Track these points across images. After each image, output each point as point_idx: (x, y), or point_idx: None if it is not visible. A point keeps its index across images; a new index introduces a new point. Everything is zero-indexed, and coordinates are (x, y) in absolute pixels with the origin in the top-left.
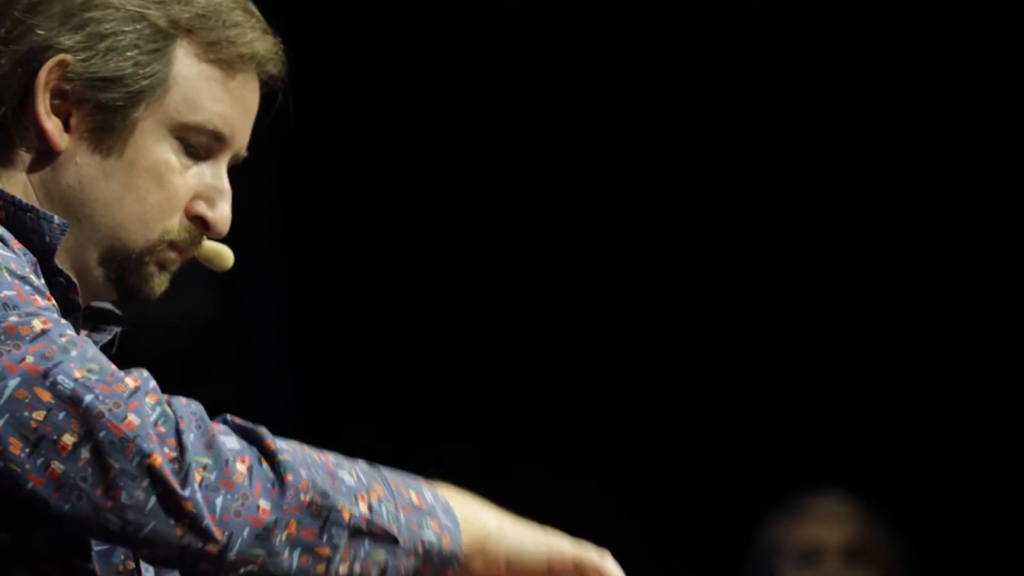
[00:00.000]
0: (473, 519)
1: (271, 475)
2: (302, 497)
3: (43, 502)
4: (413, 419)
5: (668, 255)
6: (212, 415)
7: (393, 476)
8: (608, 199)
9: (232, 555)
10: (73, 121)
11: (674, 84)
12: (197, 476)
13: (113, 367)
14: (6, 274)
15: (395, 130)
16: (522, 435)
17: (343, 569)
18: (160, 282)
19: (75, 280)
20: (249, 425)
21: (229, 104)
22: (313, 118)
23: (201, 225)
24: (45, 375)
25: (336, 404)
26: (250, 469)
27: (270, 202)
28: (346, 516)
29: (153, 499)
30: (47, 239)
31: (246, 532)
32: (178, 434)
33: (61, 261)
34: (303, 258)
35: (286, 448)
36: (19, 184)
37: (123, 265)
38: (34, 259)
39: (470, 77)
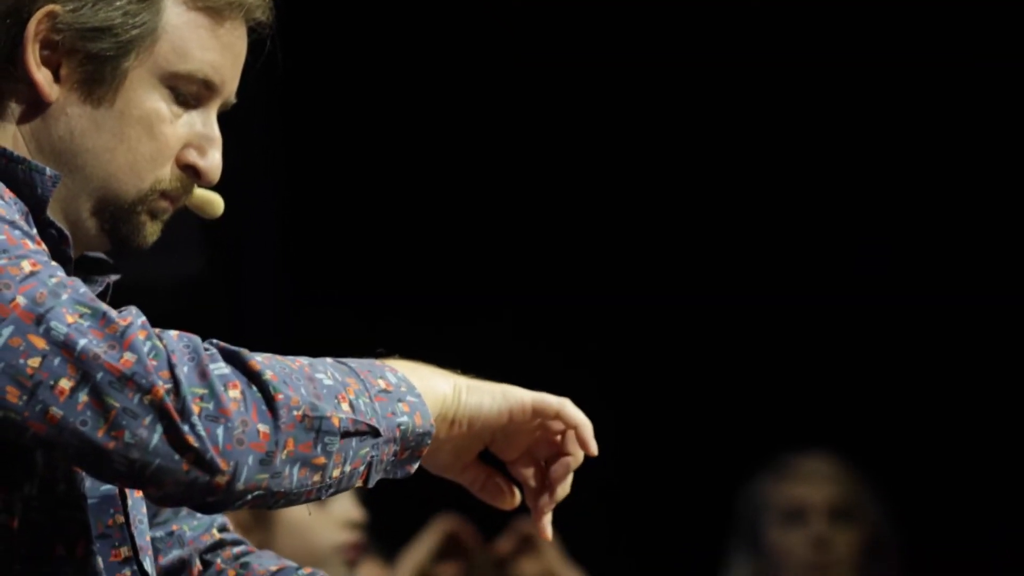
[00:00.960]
0: (431, 389)
1: (262, 397)
2: (295, 414)
3: (47, 448)
4: None
5: (658, 215)
6: None
7: (358, 365)
8: (600, 172)
9: (240, 484)
10: (63, 72)
11: (674, 72)
12: (195, 408)
13: (104, 307)
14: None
15: (391, 80)
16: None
17: (336, 472)
18: (152, 231)
19: (67, 232)
20: (232, 348)
21: (218, 52)
22: (305, 66)
23: (192, 174)
24: (38, 321)
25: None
26: (243, 394)
27: (264, 153)
28: (336, 422)
29: (156, 436)
30: (39, 191)
31: (251, 459)
32: (171, 367)
33: (53, 213)
34: (297, 212)
35: (267, 365)
36: (9, 136)
37: (115, 215)
38: (25, 208)
39: (467, 26)
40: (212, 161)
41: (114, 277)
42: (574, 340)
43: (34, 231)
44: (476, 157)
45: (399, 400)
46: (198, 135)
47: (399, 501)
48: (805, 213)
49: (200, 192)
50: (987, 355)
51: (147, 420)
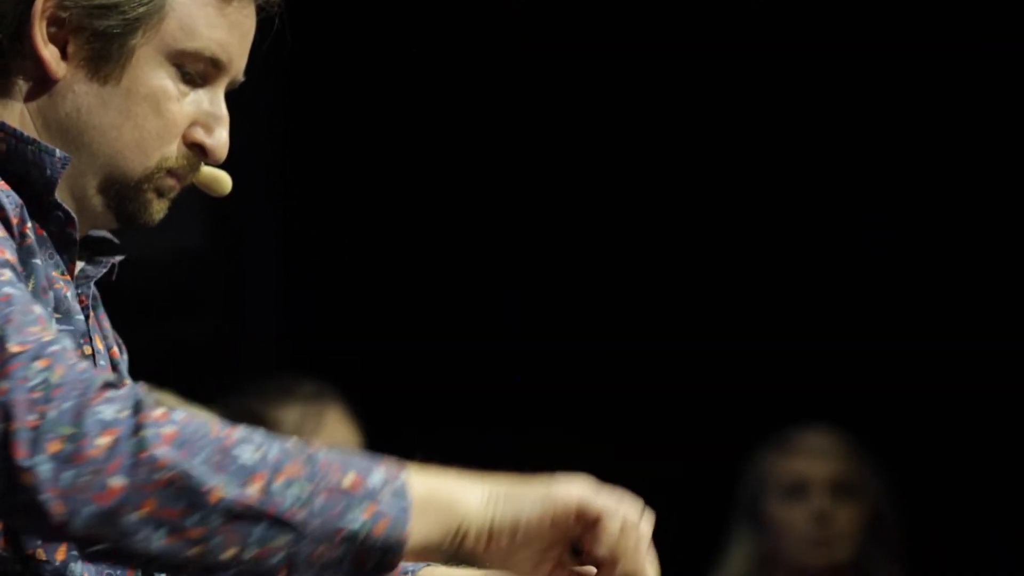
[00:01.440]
0: (449, 502)
1: (130, 451)
2: (158, 476)
3: None
4: (399, 360)
5: (655, 185)
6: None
7: (334, 457)
8: (592, 153)
9: (75, 531)
10: (70, 49)
11: (673, 51)
12: (52, 447)
13: (12, 333)
14: None
15: (398, 61)
16: (507, 352)
17: (230, 553)
18: (159, 209)
19: (73, 214)
20: (145, 396)
21: (226, 30)
22: (312, 44)
23: (199, 152)
24: None
25: (325, 339)
26: (115, 443)
27: (270, 131)
28: (213, 498)
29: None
30: (48, 172)
31: (88, 510)
32: (48, 401)
33: (59, 192)
34: (300, 190)
35: (169, 423)
36: (16, 113)
37: (121, 193)
38: (19, 201)
39: (475, 8)
40: (219, 139)
41: (119, 257)
42: (576, 314)
43: (4, 234)
44: (476, 135)
45: (365, 501)
46: (205, 113)
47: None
48: (809, 188)
49: (207, 170)
50: (989, 331)
51: None
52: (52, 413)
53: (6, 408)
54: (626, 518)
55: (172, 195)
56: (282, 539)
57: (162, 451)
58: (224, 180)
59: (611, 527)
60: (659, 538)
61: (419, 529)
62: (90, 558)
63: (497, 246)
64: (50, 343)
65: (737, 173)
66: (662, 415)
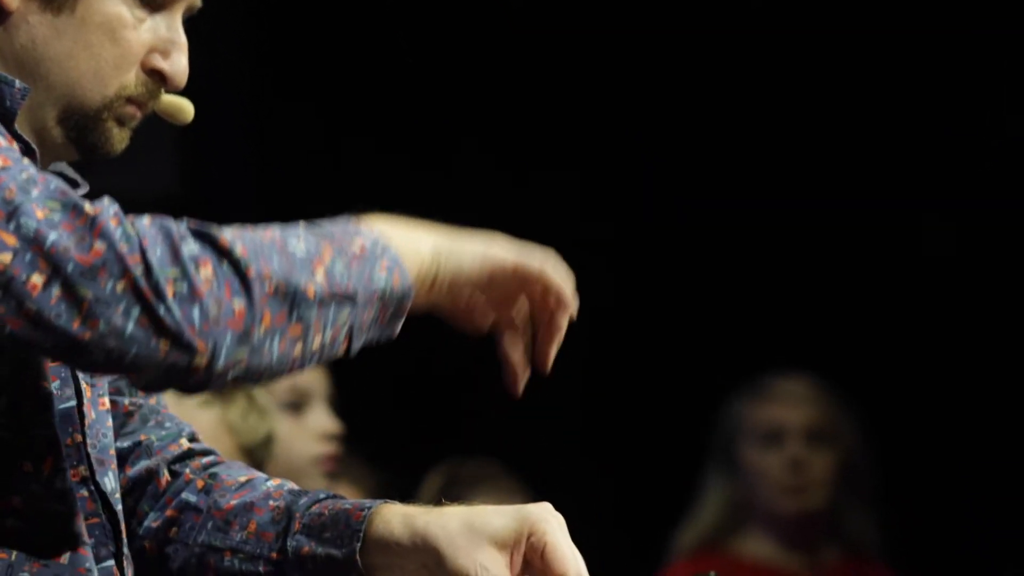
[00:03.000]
0: (411, 250)
1: (233, 273)
2: (267, 287)
3: (25, 343)
4: None
5: (644, 133)
6: None
7: (333, 228)
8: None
9: (220, 364)
10: None
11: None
12: (169, 290)
13: (76, 199)
14: None
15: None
16: None
17: (316, 342)
18: (120, 138)
19: (34, 146)
20: (202, 226)
21: None
22: None
23: (158, 78)
24: (8, 218)
25: None
26: (214, 272)
27: (233, 57)
28: (310, 292)
29: (131, 322)
30: (7, 103)
31: (228, 337)
32: (143, 252)
33: (19, 124)
34: (274, 124)
35: (237, 240)
36: None
37: (81, 123)
38: None
39: None
40: (178, 65)
41: (83, 190)
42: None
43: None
44: (455, 78)
45: (376, 262)
46: (163, 39)
47: (374, 412)
48: (783, 133)
49: (168, 98)
50: (966, 278)
51: (121, 307)
52: (152, 259)
53: (112, 264)
54: (557, 279)
55: (133, 124)
56: (345, 314)
57: (255, 266)
58: (186, 108)
59: (551, 284)
60: (635, 483)
61: (415, 276)
62: (229, 384)
63: (476, 192)
64: (110, 206)
65: (716, 127)
66: (637, 361)
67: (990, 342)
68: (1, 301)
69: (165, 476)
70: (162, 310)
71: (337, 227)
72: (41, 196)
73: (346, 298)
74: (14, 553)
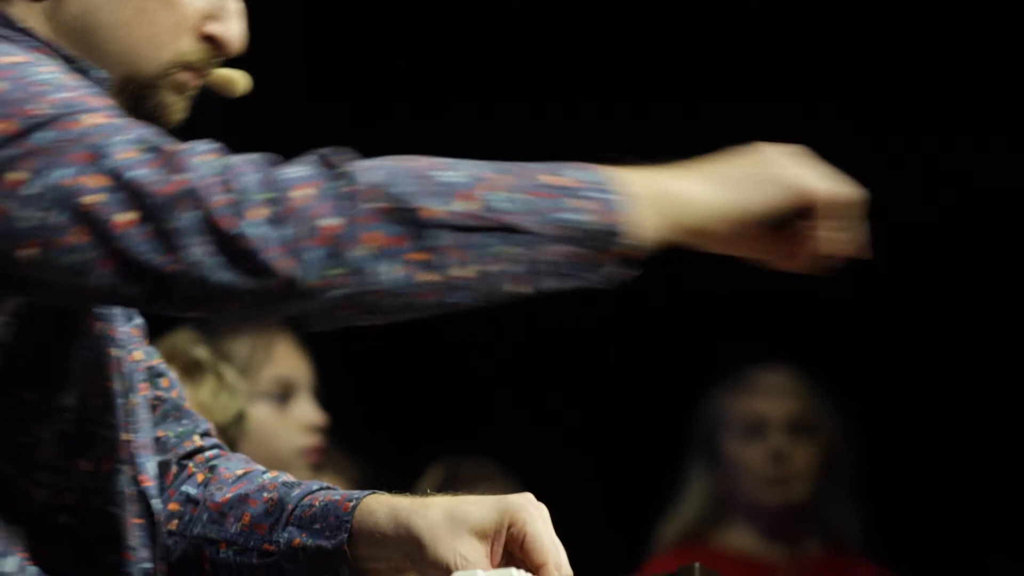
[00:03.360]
0: (656, 187)
1: (337, 192)
2: (371, 205)
3: (115, 290)
4: None
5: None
6: None
7: (540, 165)
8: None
9: (307, 282)
10: None
11: None
12: (255, 213)
13: (162, 140)
14: (67, 79)
15: None
16: None
17: (462, 271)
18: (178, 108)
19: None
20: (335, 153)
21: None
22: None
23: (214, 44)
24: (93, 158)
25: None
26: (317, 190)
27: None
28: (429, 214)
29: (213, 249)
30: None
31: (314, 253)
32: (227, 180)
33: None
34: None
35: (368, 164)
36: (26, 18)
37: (138, 92)
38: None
39: None
40: (234, 30)
41: None
42: None
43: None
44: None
45: (574, 197)
46: (216, 5)
47: (360, 404)
48: (755, 123)
49: (222, 70)
50: (945, 272)
51: (203, 237)
52: (240, 185)
53: (193, 194)
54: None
55: (190, 92)
56: (510, 247)
57: (365, 184)
58: (239, 80)
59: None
60: (618, 475)
61: (637, 216)
62: (332, 310)
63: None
64: (206, 144)
65: (691, 119)
66: (620, 355)
67: (973, 335)
68: (90, 243)
69: (173, 470)
70: (240, 233)
71: (553, 165)
72: (127, 140)
73: (504, 229)
74: (61, 551)
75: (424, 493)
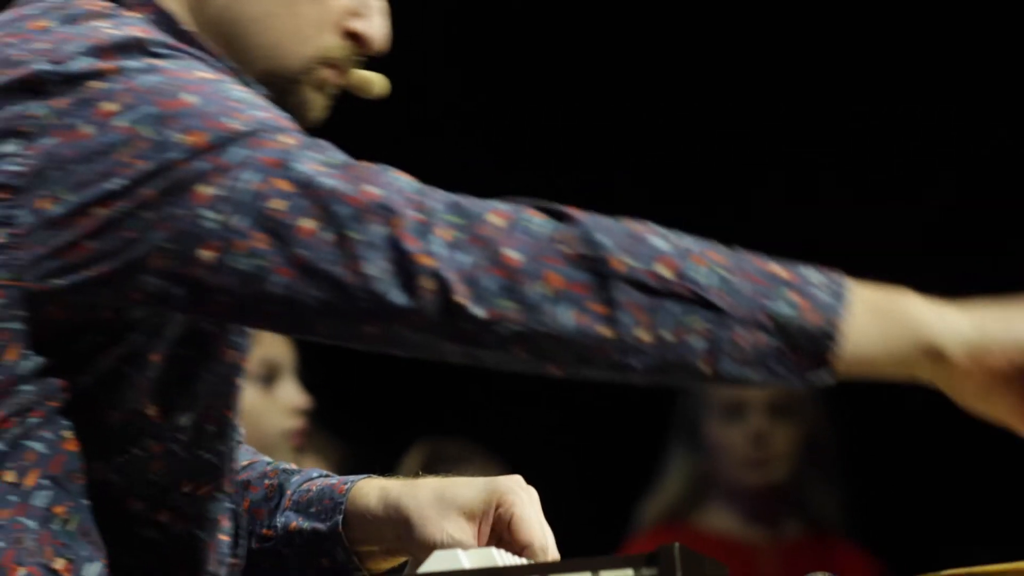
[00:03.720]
0: (896, 307)
1: (531, 227)
2: (562, 248)
3: (291, 298)
4: None
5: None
6: None
7: (762, 256)
8: None
9: (480, 310)
10: None
11: None
12: (443, 234)
13: (350, 158)
14: (257, 99)
15: None
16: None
17: (643, 335)
18: (319, 105)
19: None
20: (548, 204)
21: None
22: None
23: (357, 41)
24: (281, 165)
25: None
26: (508, 223)
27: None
28: (617, 267)
29: (397, 266)
30: None
31: (491, 284)
32: (425, 199)
33: None
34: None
35: (574, 210)
36: (175, 10)
37: (281, 87)
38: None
39: None
40: (377, 28)
41: None
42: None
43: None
44: None
45: (791, 289)
46: (361, 2)
47: (341, 386)
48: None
49: (361, 72)
50: (924, 253)
51: (386, 252)
52: (430, 206)
53: (384, 208)
54: None
55: (332, 91)
56: (699, 321)
57: (563, 227)
58: (377, 81)
59: None
60: (599, 457)
61: (863, 332)
62: (504, 347)
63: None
64: (394, 170)
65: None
66: None
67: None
68: (271, 248)
69: None
70: (425, 251)
71: (781, 261)
72: (318, 156)
73: (700, 301)
74: (142, 565)
75: (415, 475)
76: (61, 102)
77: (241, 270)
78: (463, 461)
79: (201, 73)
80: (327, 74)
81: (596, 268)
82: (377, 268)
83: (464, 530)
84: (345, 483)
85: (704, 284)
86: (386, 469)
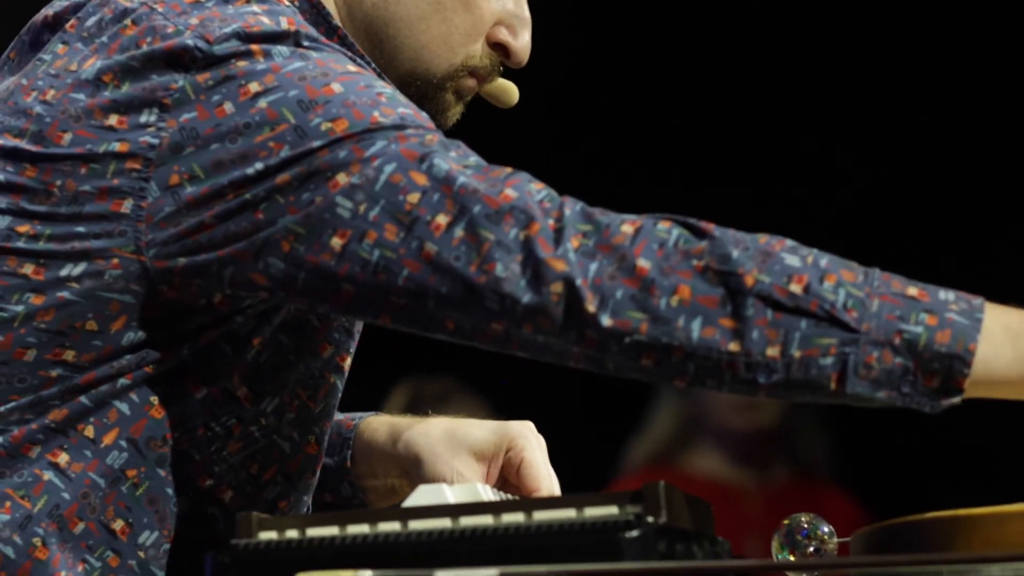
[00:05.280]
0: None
1: (662, 237)
2: (694, 261)
3: (417, 292)
4: None
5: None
6: None
7: (898, 277)
8: None
9: (607, 319)
10: None
11: None
12: (574, 242)
13: (496, 166)
14: (402, 97)
15: None
16: None
17: (771, 352)
18: (455, 112)
19: None
20: (682, 217)
21: None
22: None
23: (502, 53)
24: (421, 160)
25: None
26: (638, 231)
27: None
28: (749, 282)
29: (529, 269)
30: None
31: (619, 293)
32: (560, 207)
33: None
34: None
35: (711, 225)
36: (325, 4)
37: (422, 90)
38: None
39: None
40: (523, 41)
41: None
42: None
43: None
44: None
45: (927, 311)
46: (510, 13)
47: None
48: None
49: (499, 80)
50: (914, 212)
51: (521, 255)
52: (566, 214)
53: (522, 212)
54: None
55: (468, 98)
56: (830, 338)
57: (698, 240)
58: (512, 91)
59: None
60: (586, 398)
61: (996, 354)
62: (631, 356)
63: None
64: (530, 176)
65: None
66: None
67: (936, 266)
68: (403, 242)
69: None
70: (560, 254)
71: (913, 281)
72: (457, 156)
73: (832, 320)
74: (197, 540)
75: (425, 413)
76: (204, 76)
77: (368, 260)
78: (447, 400)
79: (349, 66)
80: (469, 83)
81: (728, 283)
82: (508, 270)
83: (474, 469)
84: (353, 419)
85: (836, 303)
86: (371, 407)
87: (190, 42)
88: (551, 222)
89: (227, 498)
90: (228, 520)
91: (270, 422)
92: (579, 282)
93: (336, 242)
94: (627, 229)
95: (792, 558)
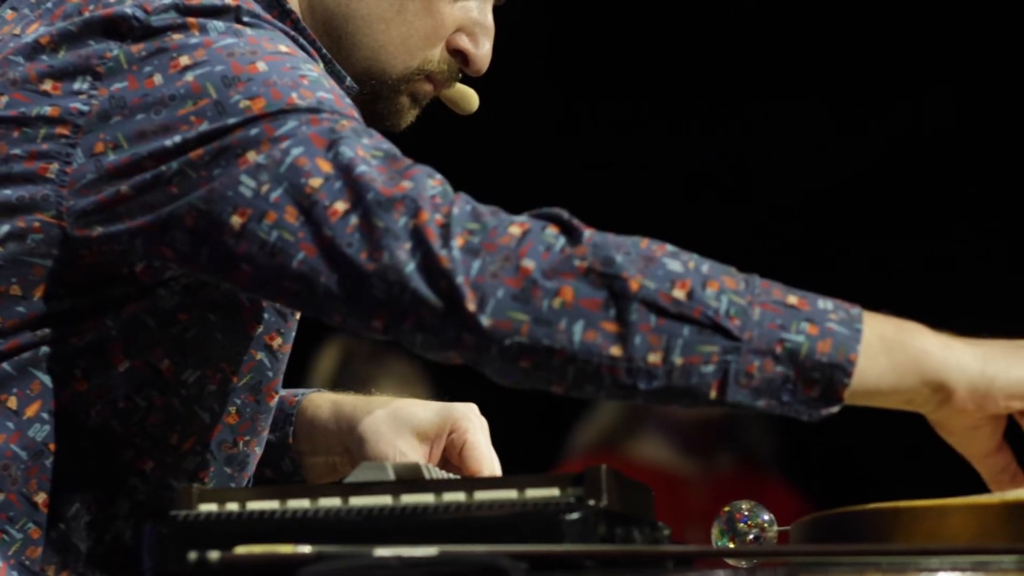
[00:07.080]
0: (910, 342)
1: (549, 241)
2: (576, 263)
3: (309, 277)
4: None
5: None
6: None
7: (778, 285)
8: None
9: (487, 319)
10: None
11: None
12: (459, 239)
13: (399, 154)
14: (326, 82)
15: None
16: None
17: (654, 358)
18: (409, 115)
19: None
20: (568, 219)
21: None
22: None
23: (461, 60)
24: (329, 146)
25: None
26: (525, 233)
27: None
28: (633, 287)
29: (415, 259)
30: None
31: (500, 292)
32: (451, 204)
33: None
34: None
35: (589, 229)
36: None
37: (377, 90)
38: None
39: None
40: (483, 49)
41: None
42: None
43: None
44: None
45: (808, 320)
46: (473, 21)
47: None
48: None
49: (459, 86)
50: (880, 183)
51: (408, 244)
52: (454, 212)
53: (412, 202)
54: None
55: (424, 102)
56: (712, 346)
57: (583, 242)
58: (472, 97)
59: None
60: (526, 392)
61: (872, 364)
62: (510, 358)
63: None
64: (435, 172)
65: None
66: None
67: (892, 251)
68: (302, 225)
69: None
70: (444, 252)
71: (792, 289)
72: (368, 143)
73: (716, 329)
74: (120, 511)
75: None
76: (139, 47)
77: (266, 240)
78: (378, 361)
79: (283, 47)
80: (425, 87)
81: (612, 286)
82: (395, 257)
83: (416, 449)
84: (296, 395)
85: (719, 310)
86: (300, 369)
87: (129, 11)
88: (439, 217)
89: (148, 468)
90: (149, 491)
91: (191, 392)
92: (460, 279)
93: (236, 220)
94: (514, 230)
95: (732, 545)
